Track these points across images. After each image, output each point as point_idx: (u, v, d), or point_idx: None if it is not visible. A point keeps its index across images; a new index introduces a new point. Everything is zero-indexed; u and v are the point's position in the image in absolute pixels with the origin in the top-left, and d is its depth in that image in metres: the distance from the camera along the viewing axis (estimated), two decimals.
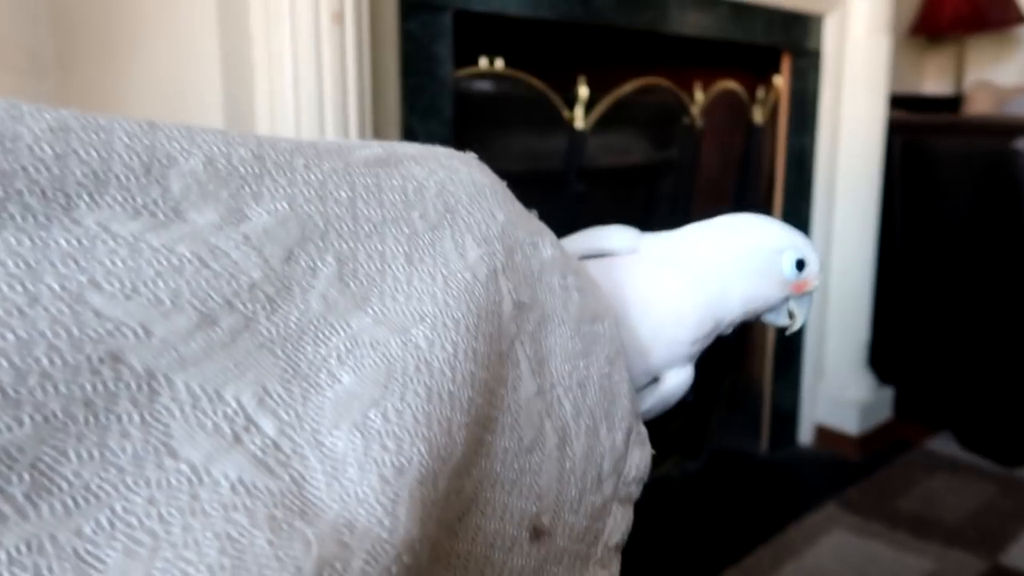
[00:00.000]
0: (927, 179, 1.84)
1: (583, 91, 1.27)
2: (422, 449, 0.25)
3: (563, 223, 1.45)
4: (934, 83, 2.80)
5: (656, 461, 1.43)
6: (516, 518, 0.30)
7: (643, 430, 0.38)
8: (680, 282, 0.41)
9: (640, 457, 0.36)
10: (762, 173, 1.80)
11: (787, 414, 1.88)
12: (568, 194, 1.41)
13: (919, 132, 1.88)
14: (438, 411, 0.26)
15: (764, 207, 1.83)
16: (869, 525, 1.53)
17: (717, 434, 1.92)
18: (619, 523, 0.34)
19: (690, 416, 1.79)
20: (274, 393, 0.24)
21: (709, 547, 1.47)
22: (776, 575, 1.38)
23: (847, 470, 1.76)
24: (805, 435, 1.89)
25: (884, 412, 1.89)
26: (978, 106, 2.45)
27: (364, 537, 0.22)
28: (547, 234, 0.37)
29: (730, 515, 1.59)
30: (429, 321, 0.28)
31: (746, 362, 2.06)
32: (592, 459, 0.33)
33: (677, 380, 0.44)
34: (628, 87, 1.35)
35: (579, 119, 1.27)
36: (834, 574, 1.38)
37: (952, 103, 2.63)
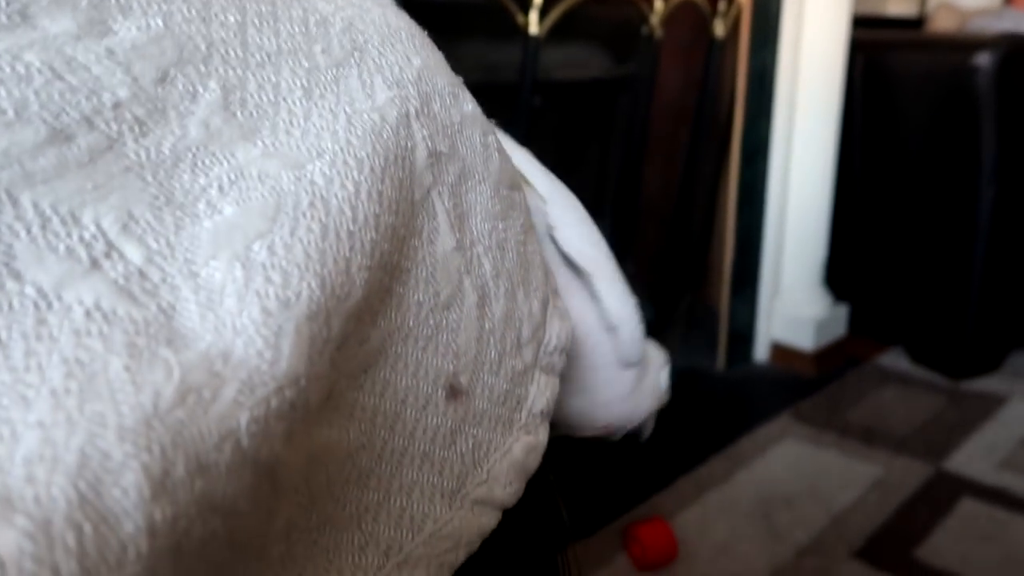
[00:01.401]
0: (887, 97, 1.83)
1: None
2: (313, 284, 0.23)
3: (518, 140, 1.40)
4: (898, 5, 2.77)
5: None
6: (431, 376, 0.28)
7: (562, 305, 0.36)
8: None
9: (560, 328, 0.34)
10: (723, 89, 1.77)
11: (744, 332, 1.89)
12: (523, 108, 1.38)
13: (880, 50, 1.86)
14: (334, 249, 0.24)
15: (724, 125, 1.81)
16: (820, 436, 1.57)
17: (675, 353, 1.93)
18: (543, 391, 0.33)
19: (648, 336, 1.80)
20: (141, 220, 0.22)
21: (664, 459, 1.49)
22: (728, 483, 1.41)
23: (801, 385, 1.80)
24: (761, 352, 1.91)
25: (839, 329, 1.91)
26: (940, 26, 2.43)
27: (240, 367, 0.20)
28: (467, 90, 0.34)
29: (685, 429, 1.61)
30: (328, 158, 0.26)
31: (704, 282, 2.07)
32: (511, 322, 0.32)
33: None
34: None
35: (533, 24, 1.23)
36: (785, 481, 1.41)
37: (915, 24, 2.61)
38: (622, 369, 0.42)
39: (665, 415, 1.78)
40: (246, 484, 0.20)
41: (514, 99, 1.35)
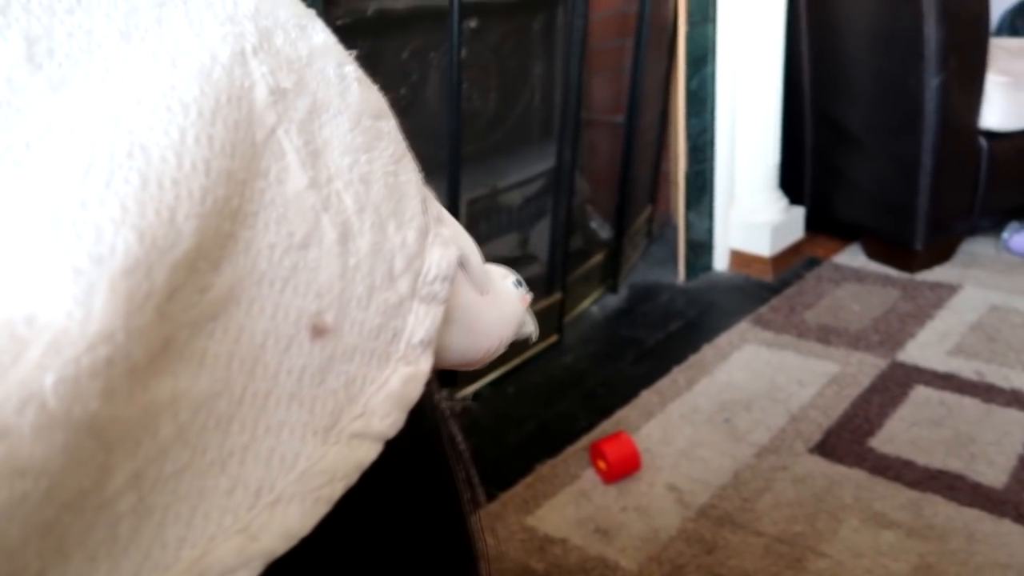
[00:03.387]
0: None
1: None
2: (130, 238, 0.22)
3: (454, 64, 1.36)
4: None
5: (577, 299, 1.43)
6: (292, 316, 0.28)
7: (446, 232, 0.36)
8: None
9: (441, 256, 0.34)
10: None
11: (702, 242, 1.91)
12: (456, 31, 1.34)
13: None
14: (156, 199, 0.23)
15: (669, 32, 1.78)
16: (779, 338, 1.60)
17: (635, 268, 1.95)
18: (422, 320, 0.33)
19: (607, 253, 1.81)
20: None
21: (627, 374, 1.52)
22: (689, 392, 1.44)
23: (761, 290, 1.82)
24: (720, 261, 1.93)
25: (796, 232, 1.93)
26: None
27: (45, 329, 0.20)
28: (317, 20, 0.33)
29: (648, 344, 1.63)
30: (148, 104, 0.25)
31: (660, 195, 2.07)
32: (381, 256, 0.31)
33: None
34: None
35: None
36: (744, 385, 1.45)
37: None
38: (480, 296, 0.43)
39: (628, 330, 1.81)
40: (57, 444, 0.20)
41: (448, 22, 1.32)
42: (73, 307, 0.20)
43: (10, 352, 0.19)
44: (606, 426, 1.36)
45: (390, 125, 0.34)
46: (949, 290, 1.73)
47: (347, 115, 0.32)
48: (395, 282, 0.32)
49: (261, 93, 0.28)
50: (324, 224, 0.30)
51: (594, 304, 1.79)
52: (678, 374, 1.50)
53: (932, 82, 1.63)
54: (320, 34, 0.32)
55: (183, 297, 0.24)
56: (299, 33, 0.31)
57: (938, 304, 1.68)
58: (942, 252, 1.83)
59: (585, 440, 1.32)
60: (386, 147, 0.34)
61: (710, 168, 1.86)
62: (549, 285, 1.63)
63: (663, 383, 1.47)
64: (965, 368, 1.44)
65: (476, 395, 1.48)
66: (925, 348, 1.52)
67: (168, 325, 0.24)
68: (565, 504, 1.19)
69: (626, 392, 1.45)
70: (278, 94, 0.29)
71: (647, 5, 1.67)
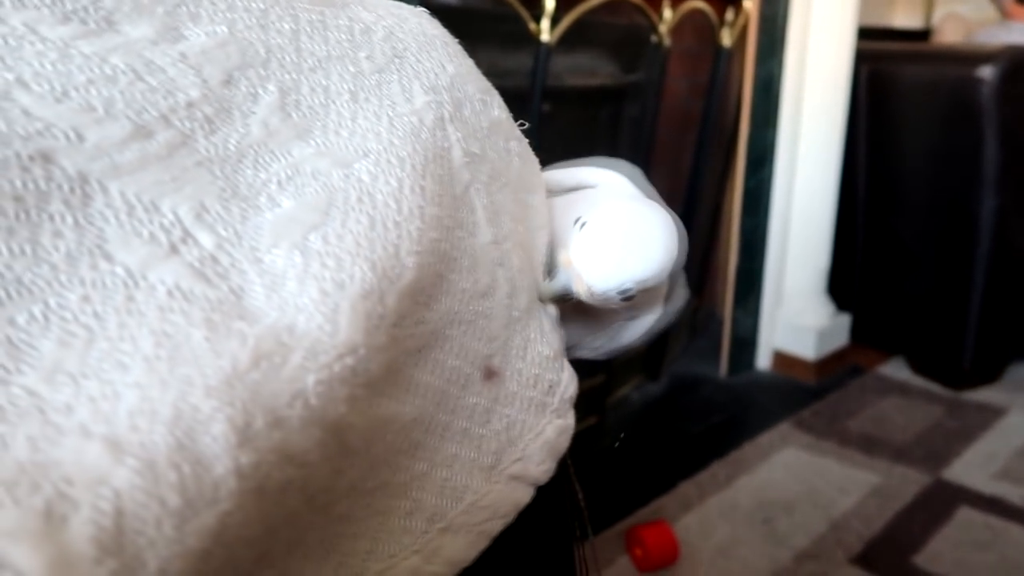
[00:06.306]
0: (891, 108, 1.85)
1: (549, 3, 1.24)
2: (364, 268, 0.25)
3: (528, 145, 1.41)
4: (904, 17, 2.80)
5: (618, 383, 1.44)
6: (471, 357, 0.31)
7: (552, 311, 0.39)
8: None
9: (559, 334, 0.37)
10: (729, 97, 1.79)
11: (747, 339, 1.91)
12: (533, 114, 1.40)
13: (885, 61, 1.89)
14: (382, 237, 0.26)
15: (730, 132, 1.83)
16: (820, 443, 1.59)
17: (678, 358, 1.95)
18: (572, 378, 0.35)
19: (652, 341, 1.82)
20: (212, 210, 0.24)
21: (667, 463, 1.51)
22: (729, 488, 1.43)
23: (803, 393, 1.81)
24: (763, 360, 1.93)
25: (841, 338, 1.93)
26: (946, 38, 2.45)
27: (303, 338, 0.22)
28: (496, 95, 0.36)
29: (687, 435, 1.63)
30: (373, 157, 0.28)
31: (707, 289, 2.09)
32: (534, 313, 0.34)
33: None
34: (595, 1, 1.33)
35: (545, 32, 1.25)
36: (784, 487, 1.43)
37: (921, 36, 2.63)
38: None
39: (668, 419, 1.80)
40: (316, 439, 0.22)
41: (525, 105, 1.38)
42: (323, 322, 0.23)
43: (279, 354, 0.22)
44: (643, 514, 1.35)
45: (538, 199, 0.37)
46: (996, 412, 1.71)
47: (511, 187, 0.35)
48: (547, 337, 0.34)
49: (457, 154, 0.31)
50: (500, 278, 0.32)
51: (634, 390, 1.79)
52: (718, 468, 1.49)
53: (989, 204, 1.65)
54: (496, 109, 0.36)
55: (406, 325, 0.27)
56: (482, 107, 0.34)
57: (984, 425, 1.66)
58: (990, 373, 1.82)
59: (620, 526, 1.31)
60: (531, 220, 0.37)
61: (760, 267, 1.89)
62: (592, 366, 1.65)
63: (702, 476, 1.46)
64: (1012, 493, 1.41)
65: None
66: (970, 468, 1.50)
67: (394, 348, 0.26)
68: None
69: (664, 482, 1.44)
70: (470, 156, 0.32)
71: (713, 104, 1.72)
